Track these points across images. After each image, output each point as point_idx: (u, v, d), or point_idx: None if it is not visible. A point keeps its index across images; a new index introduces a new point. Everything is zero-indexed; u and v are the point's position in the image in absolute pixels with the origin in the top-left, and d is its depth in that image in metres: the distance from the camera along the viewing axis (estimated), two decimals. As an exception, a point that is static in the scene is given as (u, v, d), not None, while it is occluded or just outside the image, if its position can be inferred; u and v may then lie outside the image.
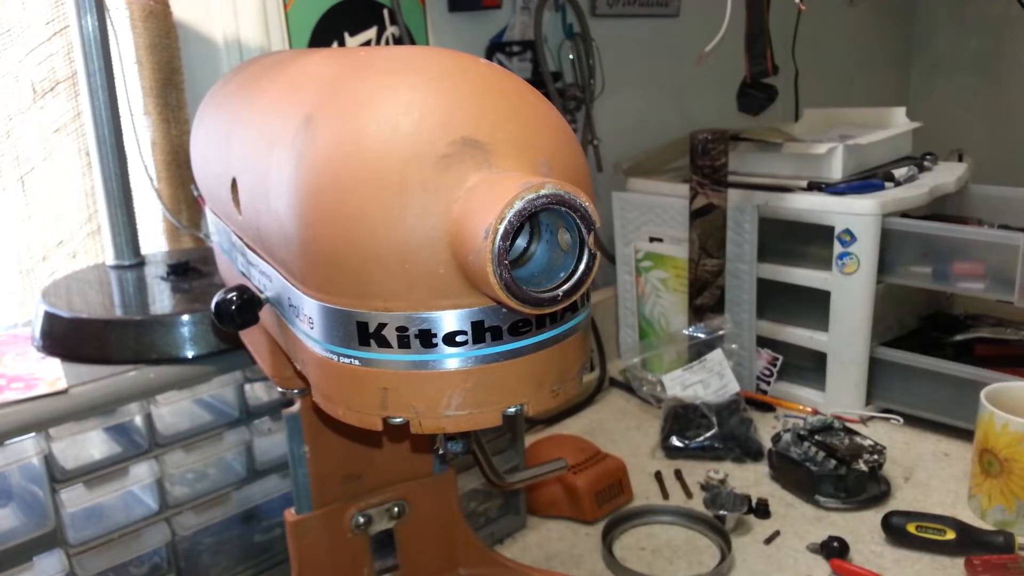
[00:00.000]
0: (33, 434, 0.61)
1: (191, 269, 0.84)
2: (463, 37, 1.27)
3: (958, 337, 1.16)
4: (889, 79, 2.41)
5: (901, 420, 1.12)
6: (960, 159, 1.49)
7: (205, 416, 0.72)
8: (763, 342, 1.21)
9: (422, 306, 0.40)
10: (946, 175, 1.21)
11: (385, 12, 1.17)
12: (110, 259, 0.89)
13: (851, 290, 1.10)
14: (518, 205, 0.35)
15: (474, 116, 0.40)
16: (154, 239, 1.00)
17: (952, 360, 1.06)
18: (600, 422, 1.18)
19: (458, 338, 0.40)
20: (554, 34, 1.39)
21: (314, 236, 0.41)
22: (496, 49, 1.31)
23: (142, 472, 0.67)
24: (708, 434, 1.06)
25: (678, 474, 1.02)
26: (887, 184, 1.14)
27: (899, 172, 1.16)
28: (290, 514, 0.65)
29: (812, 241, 1.13)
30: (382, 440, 0.67)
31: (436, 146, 0.39)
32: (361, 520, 0.66)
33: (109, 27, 0.85)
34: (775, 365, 1.20)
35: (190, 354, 0.71)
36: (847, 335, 1.12)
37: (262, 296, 0.52)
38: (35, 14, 0.90)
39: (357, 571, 0.68)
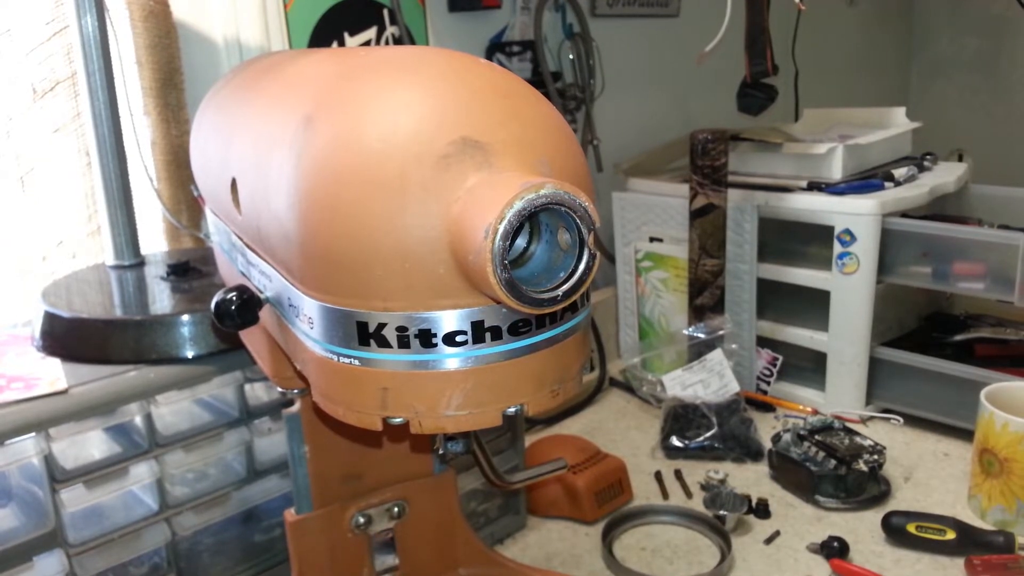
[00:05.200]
0: (33, 434, 0.61)
1: (191, 269, 0.84)
2: (463, 37, 1.27)
3: (958, 337, 1.16)
4: (889, 79, 2.41)
5: (901, 420, 1.12)
6: (960, 159, 1.49)
7: (205, 416, 0.72)
8: (763, 342, 1.21)
9: (422, 306, 0.40)
10: (946, 175, 1.21)
11: (385, 12, 1.17)
12: (110, 259, 0.89)
13: (851, 290, 1.10)
14: (518, 205, 0.35)
15: (474, 116, 0.40)
16: (154, 239, 1.00)
17: (952, 360, 1.06)
18: (600, 422, 1.18)
19: (458, 338, 0.40)
20: (554, 34, 1.39)
21: (314, 236, 0.41)
22: (496, 49, 1.31)
23: (142, 472, 0.67)
24: (708, 434, 1.06)
25: (678, 474, 1.02)
26: (887, 184, 1.14)
27: (899, 172, 1.16)
28: (290, 514, 0.65)
29: (812, 241, 1.13)
30: (382, 440, 0.67)
31: (436, 146, 0.39)
32: (361, 520, 0.66)
33: (109, 27, 0.85)
34: (775, 365, 1.20)
35: (190, 354, 0.71)
36: (847, 335, 1.12)
37: (262, 296, 0.52)
38: (35, 14, 0.90)
39: (357, 571, 0.68)
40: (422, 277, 0.39)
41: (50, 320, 0.74)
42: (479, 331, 0.40)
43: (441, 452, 0.58)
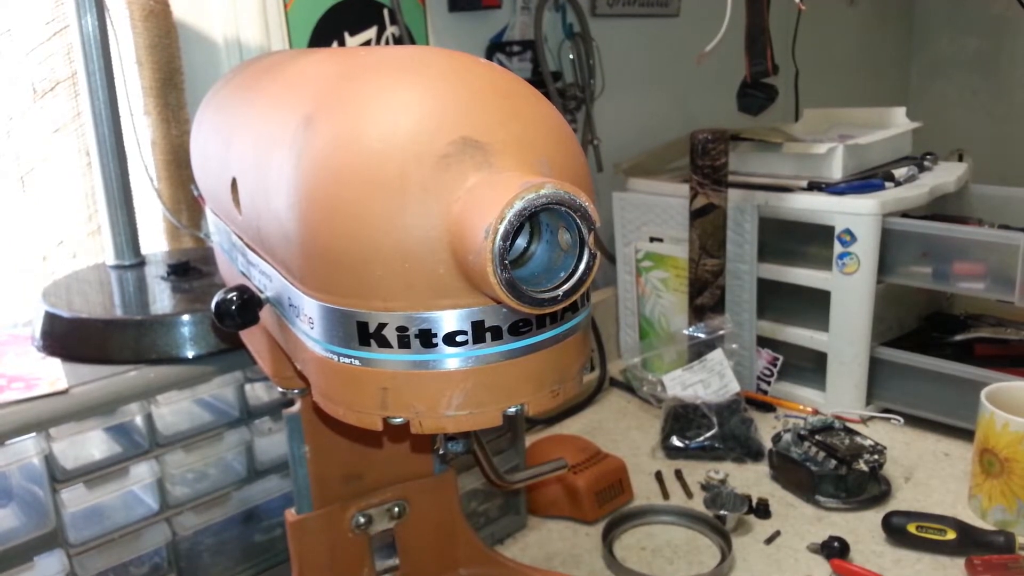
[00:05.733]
0: (33, 434, 0.61)
1: (191, 269, 0.84)
2: (463, 37, 1.27)
3: (958, 337, 1.16)
4: (889, 79, 2.41)
5: (901, 420, 1.12)
6: (960, 159, 1.49)
7: (205, 416, 0.72)
8: (763, 342, 1.21)
9: (422, 306, 0.40)
10: (946, 175, 1.21)
11: (385, 12, 1.17)
12: (110, 259, 0.89)
13: (851, 290, 1.10)
14: (518, 205, 0.35)
15: (474, 116, 0.40)
16: (154, 239, 1.00)
17: (952, 360, 1.06)
18: (600, 422, 1.18)
19: (458, 338, 0.40)
20: (554, 34, 1.39)
21: (314, 236, 0.41)
22: (496, 49, 1.31)
23: (142, 472, 0.67)
24: (708, 434, 1.06)
25: (678, 474, 1.02)
26: (887, 184, 1.14)
27: (899, 172, 1.16)
28: (290, 514, 0.65)
29: (812, 241, 1.13)
30: (382, 440, 0.67)
31: (436, 146, 0.39)
32: (361, 520, 0.66)
33: (109, 27, 0.85)
34: (775, 365, 1.20)
35: (190, 354, 0.71)
36: (847, 335, 1.12)
37: (262, 296, 0.52)
38: (35, 14, 0.90)
39: (357, 571, 0.68)
40: (422, 277, 0.39)
41: (50, 320, 0.74)
42: (479, 331, 0.40)
43: (441, 452, 0.58)
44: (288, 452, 0.63)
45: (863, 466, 0.93)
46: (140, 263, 0.90)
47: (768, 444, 1.02)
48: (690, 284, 1.16)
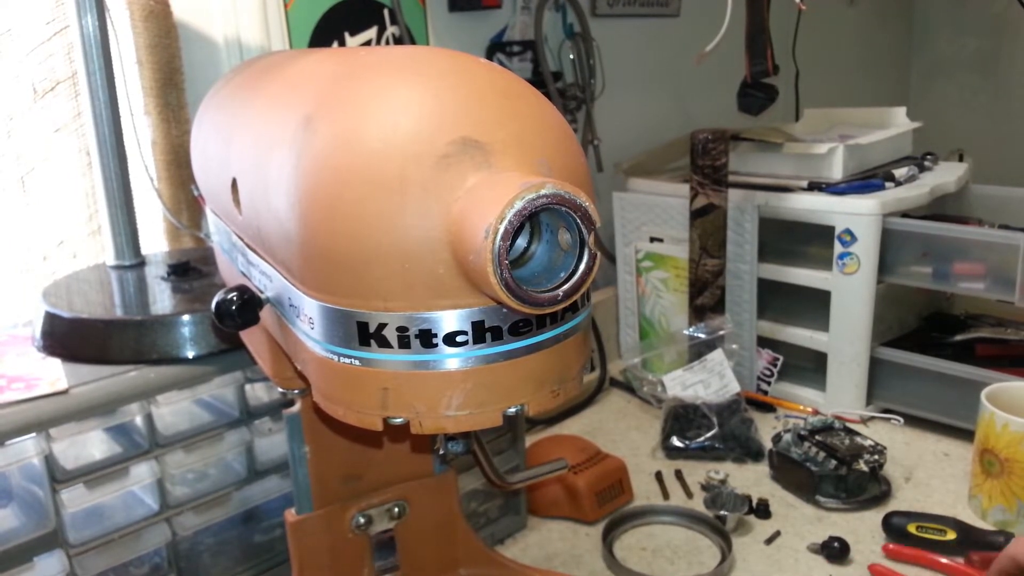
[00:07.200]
0: (34, 434, 0.61)
1: (191, 269, 0.84)
2: (463, 37, 1.27)
3: (958, 337, 1.16)
4: (889, 79, 2.41)
5: (901, 420, 1.12)
6: (960, 159, 1.49)
7: (205, 416, 0.72)
8: (763, 342, 1.21)
9: (422, 306, 0.40)
10: (946, 175, 1.21)
11: (385, 12, 1.17)
12: (110, 259, 0.89)
13: (851, 290, 1.10)
14: (518, 205, 0.35)
15: (474, 116, 0.40)
16: (154, 239, 1.00)
17: (952, 360, 1.06)
18: (600, 422, 1.18)
19: (458, 338, 0.40)
20: (554, 34, 1.39)
21: (314, 236, 0.41)
22: (496, 49, 1.31)
23: (142, 472, 0.67)
24: (708, 434, 1.06)
25: (678, 474, 1.02)
26: (887, 184, 1.14)
27: (899, 172, 1.16)
28: (290, 514, 0.65)
29: (812, 241, 1.13)
30: (382, 440, 0.67)
31: (436, 146, 0.39)
32: (361, 520, 0.66)
33: (109, 27, 0.85)
34: (775, 365, 1.20)
35: (190, 354, 0.71)
36: (847, 335, 1.12)
37: (262, 296, 0.52)
38: (35, 14, 0.90)
39: (357, 571, 0.68)
40: (422, 277, 0.39)
41: (51, 320, 0.74)
42: (479, 331, 0.40)
43: (442, 452, 0.58)
44: (288, 452, 0.63)
45: (863, 466, 0.93)
46: (140, 263, 0.90)
47: (768, 444, 1.02)
48: (690, 284, 1.16)
